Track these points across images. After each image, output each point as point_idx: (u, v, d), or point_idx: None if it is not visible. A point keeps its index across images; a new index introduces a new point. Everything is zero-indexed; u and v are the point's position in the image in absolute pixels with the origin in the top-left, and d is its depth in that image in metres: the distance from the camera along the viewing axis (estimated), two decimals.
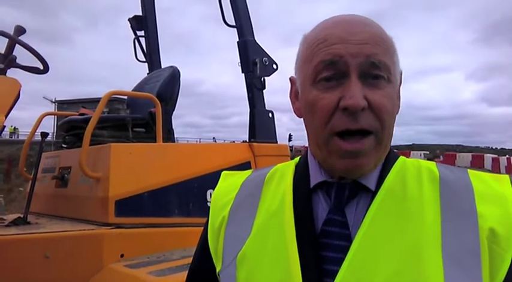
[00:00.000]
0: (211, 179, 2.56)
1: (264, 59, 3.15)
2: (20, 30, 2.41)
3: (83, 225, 2.27)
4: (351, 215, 0.67)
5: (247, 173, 0.83)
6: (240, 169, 0.87)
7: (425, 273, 0.58)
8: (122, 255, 2.17)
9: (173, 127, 3.15)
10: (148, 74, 3.73)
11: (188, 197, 2.51)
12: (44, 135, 2.72)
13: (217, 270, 0.74)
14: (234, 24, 3.22)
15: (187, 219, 2.47)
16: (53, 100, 35.50)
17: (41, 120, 3.05)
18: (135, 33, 3.86)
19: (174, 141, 3.27)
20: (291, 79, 0.76)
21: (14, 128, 35.82)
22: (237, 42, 3.22)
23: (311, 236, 0.67)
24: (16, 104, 2.30)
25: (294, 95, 0.76)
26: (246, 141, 3.07)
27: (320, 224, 0.68)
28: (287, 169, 0.77)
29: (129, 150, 2.42)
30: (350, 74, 0.64)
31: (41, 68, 2.50)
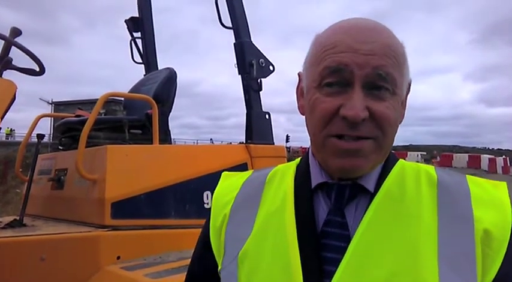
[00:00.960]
0: (208, 181, 2.57)
1: (260, 60, 3.15)
2: (16, 32, 2.40)
3: (79, 227, 2.26)
4: (350, 216, 0.68)
5: (248, 173, 0.84)
6: (237, 170, 0.88)
7: (421, 275, 0.59)
8: (118, 257, 2.16)
9: (170, 128, 3.15)
10: (145, 75, 3.73)
11: (185, 198, 2.50)
12: (40, 137, 2.71)
13: (218, 269, 0.75)
14: (231, 25, 3.23)
15: (184, 221, 2.46)
16: (50, 101, 35.38)
17: (37, 122, 3.04)
18: (132, 35, 3.86)
19: (171, 143, 3.27)
20: (299, 74, 0.77)
21: (11, 129, 35.71)
22: (234, 43, 3.23)
23: (312, 236, 0.67)
24: (12, 106, 2.30)
25: (300, 92, 0.76)
26: (242, 143, 3.07)
27: (320, 224, 0.68)
28: (288, 170, 0.78)
29: (126, 152, 2.41)
30: (354, 83, 0.64)
31: (37, 69, 2.50)
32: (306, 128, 0.73)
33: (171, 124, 3.15)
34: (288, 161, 0.83)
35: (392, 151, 0.75)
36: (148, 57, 3.87)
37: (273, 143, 3.18)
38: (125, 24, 3.85)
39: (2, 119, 2.17)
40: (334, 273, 0.62)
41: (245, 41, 3.18)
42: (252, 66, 3.11)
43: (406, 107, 0.73)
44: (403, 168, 0.72)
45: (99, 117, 2.57)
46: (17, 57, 2.40)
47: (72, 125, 2.81)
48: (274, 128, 3.24)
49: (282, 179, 0.77)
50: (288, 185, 0.74)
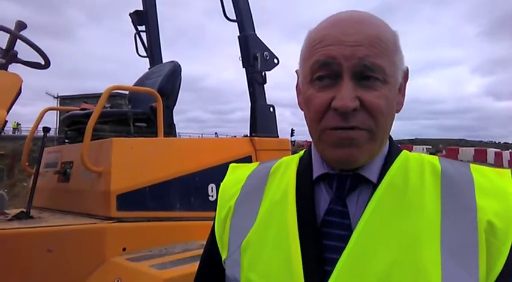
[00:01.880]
0: (212, 174, 2.58)
1: (264, 53, 3.14)
2: (21, 26, 2.41)
3: (85, 219, 2.28)
4: (352, 206, 0.69)
5: (254, 165, 0.86)
6: (241, 163, 0.89)
7: (423, 264, 0.60)
8: (124, 249, 2.18)
9: (175, 122, 3.16)
10: (149, 68, 3.73)
11: (189, 191, 2.52)
12: (46, 130, 2.73)
13: (223, 258, 0.77)
14: (235, 18, 3.22)
15: (189, 213, 2.48)
16: (56, 96, 35.52)
17: (42, 115, 3.06)
18: (136, 28, 3.86)
19: (175, 136, 3.28)
20: (296, 72, 0.78)
21: (17, 123, 35.94)
22: (238, 36, 3.22)
23: (312, 225, 0.69)
24: (18, 100, 2.31)
25: (299, 89, 0.78)
26: (247, 136, 3.08)
27: (322, 214, 0.70)
28: (291, 161, 0.80)
29: (131, 144, 2.43)
30: (343, 75, 0.65)
31: (42, 63, 2.51)
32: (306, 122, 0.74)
33: (177, 118, 3.16)
34: (293, 154, 0.84)
35: (398, 144, 0.75)
36: (153, 50, 3.87)
37: (278, 136, 3.18)
38: (129, 17, 3.85)
39: (8, 112, 2.18)
40: (336, 261, 0.63)
41: (249, 33, 3.17)
42: (256, 59, 3.10)
43: (405, 95, 0.74)
44: (407, 159, 0.72)
45: (104, 110, 2.58)
46: (23, 50, 2.42)
47: (77, 118, 2.83)
48: (279, 122, 3.24)
49: (285, 170, 0.79)
50: (290, 176, 0.76)
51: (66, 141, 3.04)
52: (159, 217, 2.39)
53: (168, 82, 2.95)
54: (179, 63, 3.13)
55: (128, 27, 3.89)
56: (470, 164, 0.72)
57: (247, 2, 3.25)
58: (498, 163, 27.90)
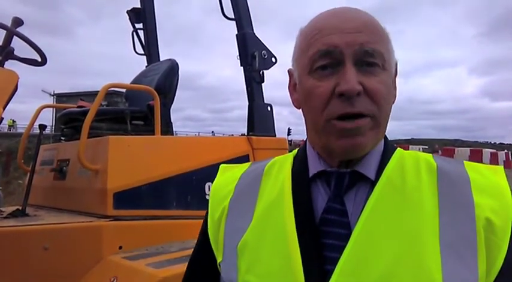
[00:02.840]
0: (209, 172, 2.57)
1: (262, 52, 3.13)
2: (18, 22, 2.39)
3: (82, 217, 2.27)
4: (350, 204, 0.68)
5: (246, 165, 0.85)
6: (239, 162, 0.88)
7: (425, 261, 0.60)
8: (120, 247, 2.18)
9: (172, 120, 3.15)
10: (146, 66, 3.72)
11: (186, 189, 2.51)
12: (42, 127, 2.71)
13: (218, 261, 0.75)
14: (233, 16, 3.21)
15: (186, 211, 2.48)
16: (52, 93, 35.40)
17: (39, 113, 3.04)
18: (134, 26, 3.85)
19: (172, 134, 3.27)
20: (289, 71, 0.78)
21: (13, 121, 35.75)
22: (236, 34, 3.21)
23: (311, 223, 0.68)
24: (14, 97, 2.29)
25: (292, 87, 0.78)
26: (244, 135, 3.07)
27: (319, 212, 0.69)
28: (286, 160, 0.79)
29: (128, 142, 2.42)
30: (345, 61, 0.65)
31: (39, 60, 2.49)
32: (303, 120, 0.74)
33: (175, 116, 3.15)
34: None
35: (394, 144, 0.75)
36: (150, 48, 3.86)
37: (275, 135, 3.17)
38: (126, 15, 3.84)
39: (4, 109, 2.17)
40: (336, 260, 0.63)
41: (247, 32, 3.17)
42: (254, 58, 3.09)
43: (397, 90, 0.75)
44: (402, 156, 0.72)
45: (101, 108, 2.57)
46: (19, 47, 2.40)
47: (74, 115, 2.81)
48: (277, 121, 3.23)
49: (280, 169, 0.78)
50: (285, 174, 0.75)
51: (63, 139, 3.03)
52: (155, 215, 2.38)
53: (165, 80, 2.95)
54: (177, 61, 3.12)
55: (126, 25, 3.87)
56: (464, 162, 0.72)
57: (246, 0, 3.24)
58: (494, 163, 28.01)
